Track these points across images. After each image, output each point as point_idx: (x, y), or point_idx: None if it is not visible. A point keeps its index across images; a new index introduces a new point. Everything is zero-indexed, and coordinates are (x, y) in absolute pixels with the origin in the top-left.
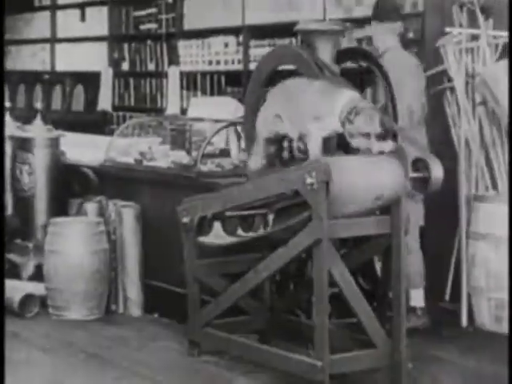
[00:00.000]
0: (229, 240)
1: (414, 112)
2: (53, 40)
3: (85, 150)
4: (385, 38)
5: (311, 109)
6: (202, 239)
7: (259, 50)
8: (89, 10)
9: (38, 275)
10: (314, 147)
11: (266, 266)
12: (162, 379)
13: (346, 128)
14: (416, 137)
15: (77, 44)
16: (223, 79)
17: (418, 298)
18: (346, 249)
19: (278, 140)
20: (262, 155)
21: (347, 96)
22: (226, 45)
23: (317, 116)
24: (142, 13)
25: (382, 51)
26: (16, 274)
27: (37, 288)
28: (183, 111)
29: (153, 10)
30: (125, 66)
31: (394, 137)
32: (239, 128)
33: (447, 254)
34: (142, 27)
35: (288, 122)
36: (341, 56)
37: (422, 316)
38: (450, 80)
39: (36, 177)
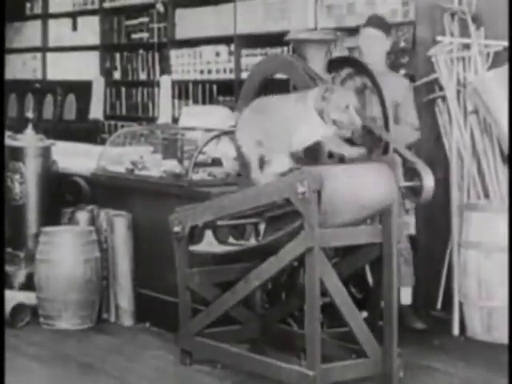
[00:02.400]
0: (220, 249)
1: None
2: (44, 49)
3: (76, 159)
4: None
5: (291, 123)
6: (194, 248)
7: (251, 59)
8: (80, 19)
9: (29, 284)
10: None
11: (257, 275)
12: None
13: (323, 107)
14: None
15: (68, 53)
16: (215, 88)
17: (406, 296)
18: (338, 258)
19: None
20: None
21: (316, 88)
22: (218, 54)
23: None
24: (134, 22)
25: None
26: (7, 283)
27: (28, 297)
28: (175, 120)
29: (144, 20)
30: (116, 75)
31: (386, 146)
32: (231, 137)
33: (439, 263)
34: (134, 36)
35: (269, 145)
36: (332, 65)
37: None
38: (441, 89)
39: (27, 186)
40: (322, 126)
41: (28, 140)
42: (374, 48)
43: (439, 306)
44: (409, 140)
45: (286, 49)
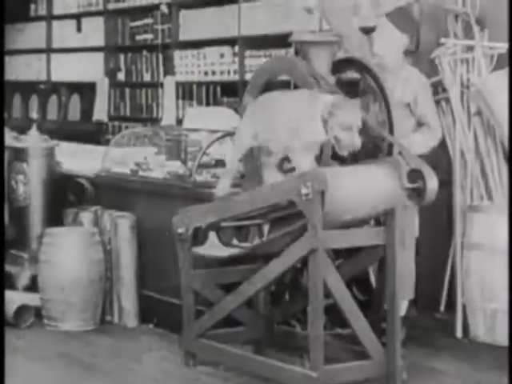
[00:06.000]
0: (224, 251)
1: None
2: (49, 50)
3: (80, 160)
4: None
5: (289, 121)
6: (197, 250)
7: (255, 61)
8: (85, 21)
9: (33, 286)
10: (301, 163)
11: (261, 277)
12: None
13: (329, 123)
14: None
15: (73, 54)
16: (219, 89)
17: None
18: (341, 259)
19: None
20: (230, 181)
21: (327, 98)
22: (222, 55)
23: (295, 127)
24: (138, 23)
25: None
26: (11, 284)
27: (31, 299)
28: (179, 121)
29: (149, 21)
30: (121, 76)
31: (390, 147)
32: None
33: (442, 265)
34: (138, 37)
35: (264, 138)
36: (337, 66)
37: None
38: (444, 90)
39: (31, 187)
40: (321, 132)
41: (32, 141)
42: (383, 39)
43: (442, 307)
44: (431, 144)
45: (290, 50)
